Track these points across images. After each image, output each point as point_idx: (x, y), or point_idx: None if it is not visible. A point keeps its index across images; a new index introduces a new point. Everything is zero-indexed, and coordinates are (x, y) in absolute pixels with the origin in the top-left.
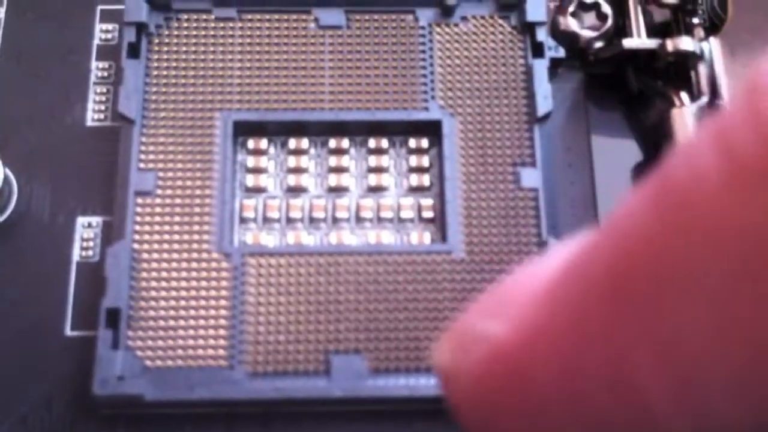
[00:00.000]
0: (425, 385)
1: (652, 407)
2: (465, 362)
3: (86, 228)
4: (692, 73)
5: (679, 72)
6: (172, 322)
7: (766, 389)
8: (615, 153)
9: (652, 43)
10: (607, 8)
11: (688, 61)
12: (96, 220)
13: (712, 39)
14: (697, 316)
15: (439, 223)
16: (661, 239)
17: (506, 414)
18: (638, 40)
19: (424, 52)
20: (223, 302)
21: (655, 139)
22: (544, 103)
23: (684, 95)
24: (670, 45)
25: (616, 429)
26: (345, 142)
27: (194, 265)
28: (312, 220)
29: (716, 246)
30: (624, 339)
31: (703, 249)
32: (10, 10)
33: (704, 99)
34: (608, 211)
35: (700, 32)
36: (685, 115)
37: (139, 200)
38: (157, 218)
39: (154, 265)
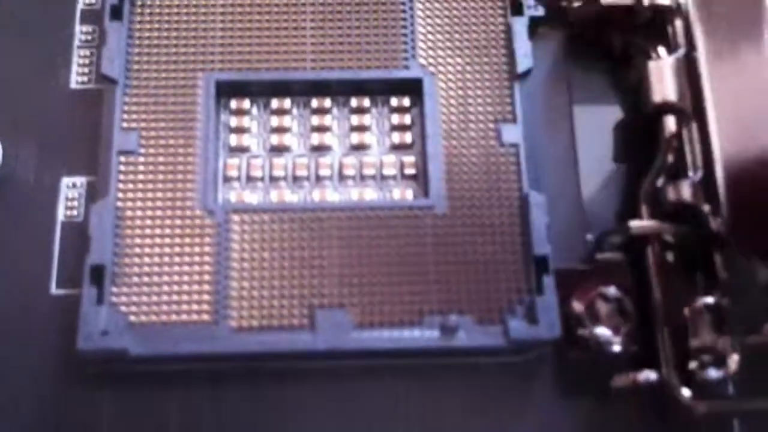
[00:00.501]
0: (409, 337)
1: None
2: None
3: (71, 188)
4: (669, 27)
5: (657, 26)
6: (156, 279)
7: None
8: (596, 110)
9: None
10: None
11: (665, 15)
12: (80, 180)
13: None
14: None
15: (421, 179)
16: None
17: None
18: None
19: (404, 11)
20: (207, 259)
21: (635, 96)
22: (523, 60)
23: (661, 49)
24: (646, 0)
25: None
26: (327, 102)
27: (178, 222)
28: (295, 178)
29: None
30: None
31: None
32: None
33: (681, 51)
34: (589, 167)
35: None
36: (661, 67)
37: (123, 159)
38: (141, 176)
39: (138, 222)
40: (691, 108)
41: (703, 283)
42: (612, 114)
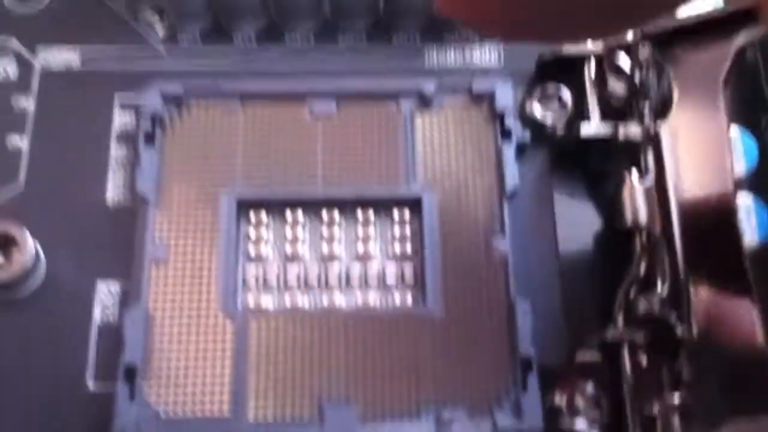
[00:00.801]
0: (409, 429)
1: None
2: None
3: (106, 293)
4: (641, 156)
5: (631, 153)
6: (182, 377)
7: None
8: (577, 223)
9: (605, 131)
10: (567, 96)
11: (638, 145)
12: (115, 285)
13: (659, 123)
14: None
15: (420, 286)
16: None
17: None
18: (594, 127)
19: (406, 135)
20: (227, 358)
21: (611, 210)
22: (512, 181)
23: (635, 174)
24: (621, 132)
25: None
26: (336, 215)
27: (202, 325)
28: (306, 283)
29: None
30: None
31: None
32: (39, 101)
33: (650, 178)
34: (570, 272)
35: (650, 117)
36: (633, 192)
37: (154, 268)
38: (170, 283)
39: (167, 325)
40: (660, 227)
41: (671, 380)
42: (592, 223)
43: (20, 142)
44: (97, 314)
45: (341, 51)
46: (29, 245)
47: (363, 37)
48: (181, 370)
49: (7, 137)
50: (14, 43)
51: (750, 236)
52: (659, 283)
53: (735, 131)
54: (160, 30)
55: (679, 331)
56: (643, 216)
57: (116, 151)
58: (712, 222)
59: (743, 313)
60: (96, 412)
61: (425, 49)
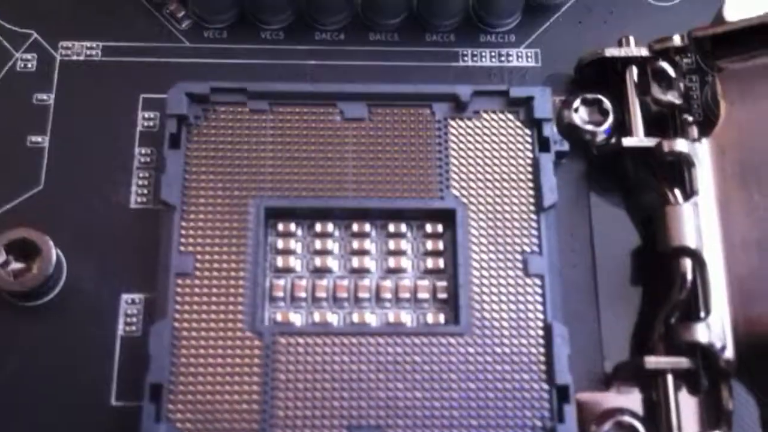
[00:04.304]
0: None
1: None
2: None
3: (130, 304)
4: (686, 173)
5: (674, 170)
6: (209, 397)
7: None
8: (615, 238)
9: (649, 143)
10: (608, 104)
11: (682, 161)
12: (139, 297)
13: (704, 140)
14: None
15: (452, 304)
16: None
17: None
18: (636, 139)
19: (439, 144)
20: (255, 378)
21: (650, 227)
22: (549, 195)
23: (678, 192)
24: (666, 146)
25: None
26: (366, 227)
27: (229, 343)
28: (335, 299)
29: None
30: None
31: None
32: (58, 97)
33: (696, 198)
34: (608, 293)
35: (694, 131)
36: (679, 212)
37: (179, 281)
38: (196, 298)
39: (193, 342)
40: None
41: (710, 412)
42: (630, 241)
43: (40, 139)
44: (120, 326)
45: (372, 47)
46: (51, 253)
47: (395, 35)
48: (208, 391)
49: (27, 135)
50: (35, 36)
51: None
52: (702, 310)
53: None
54: (184, 22)
55: (721, 361)
56: (688, 239)
57: (140, 154)
58: (760, 243)
59: None
60: (118, 429)
61: (460, 48)
